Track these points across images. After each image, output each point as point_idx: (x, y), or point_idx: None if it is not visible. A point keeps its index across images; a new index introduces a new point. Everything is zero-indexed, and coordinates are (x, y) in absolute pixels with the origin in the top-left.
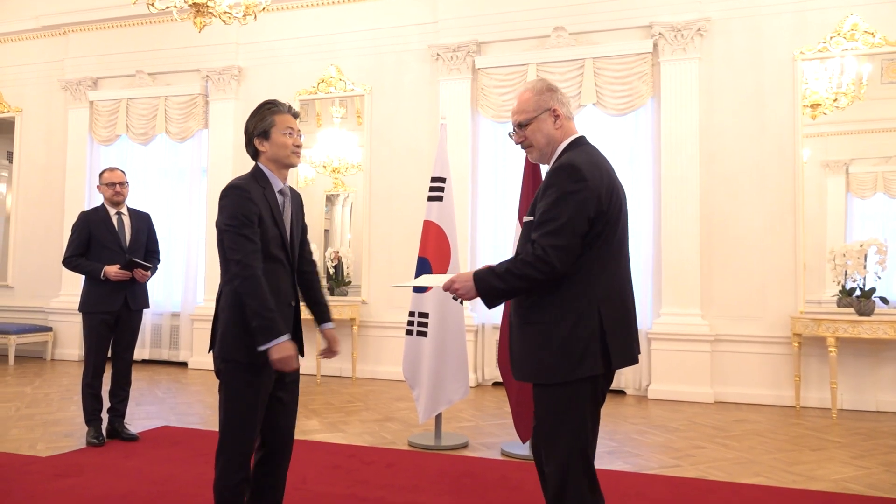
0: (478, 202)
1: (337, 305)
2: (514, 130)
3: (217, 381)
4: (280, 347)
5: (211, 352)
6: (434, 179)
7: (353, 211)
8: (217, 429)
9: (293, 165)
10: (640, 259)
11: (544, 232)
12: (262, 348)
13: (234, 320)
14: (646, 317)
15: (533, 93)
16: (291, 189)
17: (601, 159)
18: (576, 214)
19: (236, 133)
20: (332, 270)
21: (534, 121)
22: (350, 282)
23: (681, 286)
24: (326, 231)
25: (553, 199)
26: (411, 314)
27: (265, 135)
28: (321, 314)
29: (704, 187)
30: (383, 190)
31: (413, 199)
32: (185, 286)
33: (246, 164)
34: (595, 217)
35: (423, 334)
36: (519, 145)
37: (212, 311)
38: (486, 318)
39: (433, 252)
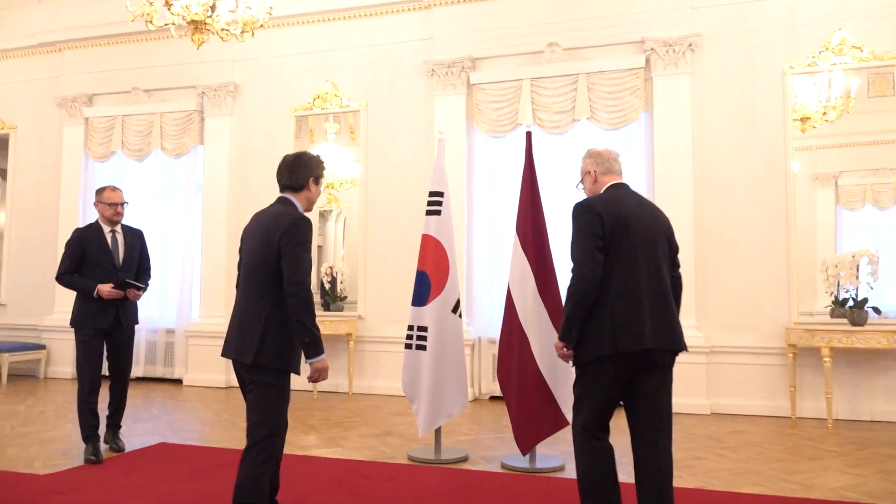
0: (473, 216)
1: (332, 321)
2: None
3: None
4: (324, 361)
5: (234, 359)
6: (432, 194)
7: (347, 226)
8: (215, 444)
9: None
10: None
11: None
12: (310, 361)
13: (283, 333)
14: None
15: (581, 160)
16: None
17: (617, 197)
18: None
19: (232, 149)
20: (327, 286)
21: (583, 179)
22: (346, 297)
23: None
24: (319, 247)
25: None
26: (410, 328)
27: (318, 181)
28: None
29: (698, 200)
30: (379, 205)
31: (409, 213)
32: (179, 303)
33: (240, 180)
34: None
35: (423, 348)
36: None
37: (208, 328)
38: (483, 331)
39: (432, 266)
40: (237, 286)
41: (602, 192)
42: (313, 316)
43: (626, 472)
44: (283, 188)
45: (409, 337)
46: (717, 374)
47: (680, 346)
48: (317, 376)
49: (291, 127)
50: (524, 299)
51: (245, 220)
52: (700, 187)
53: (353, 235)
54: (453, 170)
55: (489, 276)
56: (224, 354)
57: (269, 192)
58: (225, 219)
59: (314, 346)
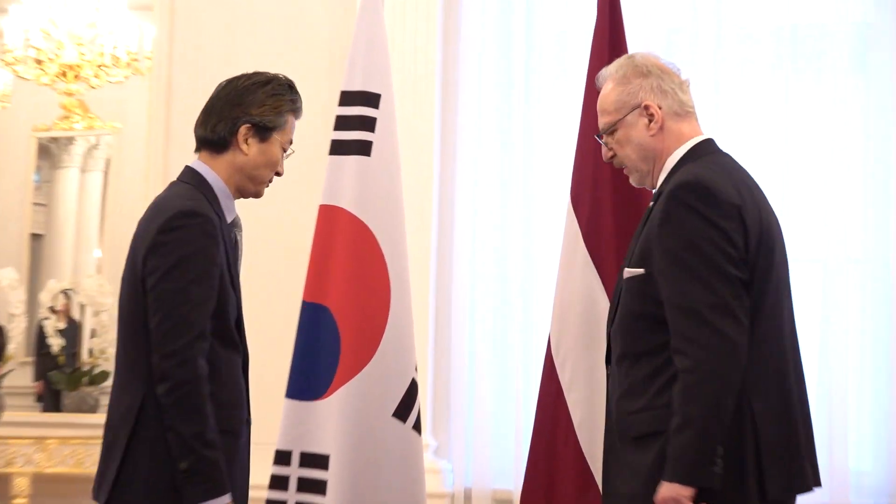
0: (457, 163)
1: (68, 432)
2: (602, 140)
3: None
4: None
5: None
6: (348, 98)
7: (114, 184)
8: None
9: (255, 196)
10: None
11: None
12: None
13: (157, 452)
14: None
15: (615, 87)
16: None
17: (742, 174)
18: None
19: None
20: (54, 342)
21: (619, 125)
22: (106, 374)
23: None
24: (36, 238)
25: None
26: (281, 460)
27: (265, 133)
28: None
29: None
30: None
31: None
32: None
33: None
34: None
35: None
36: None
37: None
38: (481, 473)
39: (345, 292)
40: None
41: (685, 152)
42: (203, 419)
43: None
44: (197, 144)
45: (279, 484)
46: None
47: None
48: None
49: None
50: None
51: None
52: None
53: (131, 208)
54: (405, 43)
55: (496, 314)
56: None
57: None
58: None
59: (201, 477)
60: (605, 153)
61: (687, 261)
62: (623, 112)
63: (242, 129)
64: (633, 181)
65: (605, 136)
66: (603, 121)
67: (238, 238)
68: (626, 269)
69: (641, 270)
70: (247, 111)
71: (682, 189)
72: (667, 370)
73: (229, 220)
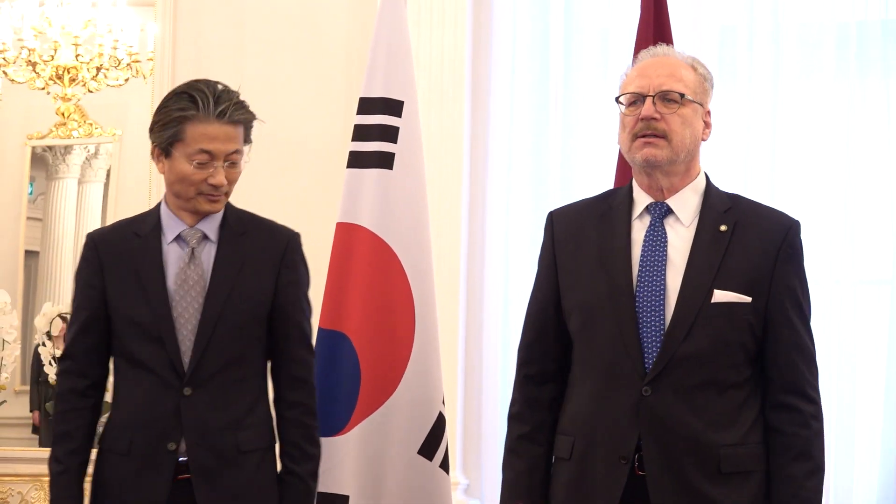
0: (488, 169)
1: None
2: (654, 98)
3: None
4: None
5: None
6: (367, 106)
7: (115, 197)
8: None
9: (200, 212)
10: None
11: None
12: None
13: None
14: None
15: (696, 74)
16: (234, 229)
17: None
18: None
19: None
20: (51, 370)
21: (691, 105)
22: (108, 404)
23: None
24: (31, 255)
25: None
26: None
27: (166, 151)
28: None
29: None
30: None
31: (297, 163)
32: None
33: None
34: None
35: None
36: (643, 125)
37: None
38: None
39: (363, 316)
40: None
41: (706, 177)
42: (54, 436)
43: None
44: None
45: None
46: None
47: None
48: None
49: None
50: None
51: None
52: None
53: None
54: (430, 44)
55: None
56: None
57: None
58: None
59: (50, 490)
60: (651, 111)
61: (807, 307)
62: (697, 98)
63: (154, 151)
64: (655, 155)
65: (664, 100)
66: (676, 86)
67: (184, 249)
68: (724, 293)
69: (748, 299)
70: (153, 126)
71: (799, 231)
72: (752, 405)
73: (171, 236)
